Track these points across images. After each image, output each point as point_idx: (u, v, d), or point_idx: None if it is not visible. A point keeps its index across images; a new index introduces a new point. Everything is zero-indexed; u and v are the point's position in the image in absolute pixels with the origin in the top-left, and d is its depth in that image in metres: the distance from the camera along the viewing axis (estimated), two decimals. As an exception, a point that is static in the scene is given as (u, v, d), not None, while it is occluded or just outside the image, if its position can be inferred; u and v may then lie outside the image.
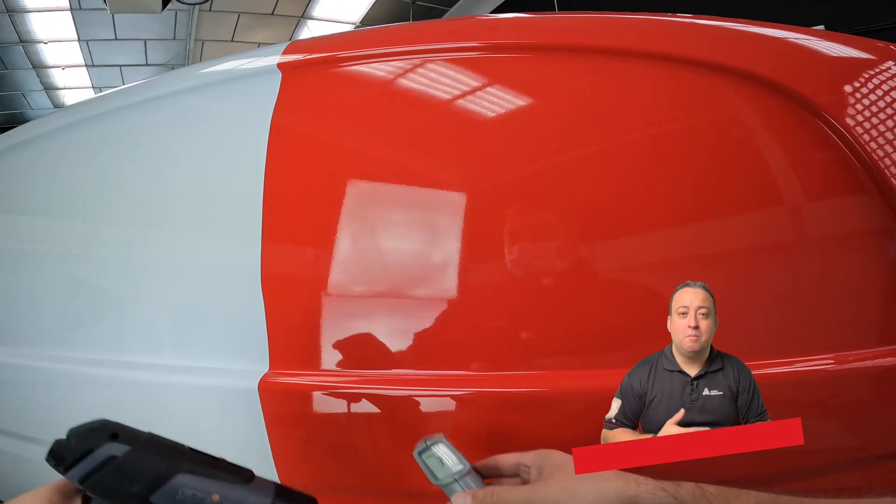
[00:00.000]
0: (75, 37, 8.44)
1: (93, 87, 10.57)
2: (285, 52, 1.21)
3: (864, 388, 0.94)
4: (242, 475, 0.79)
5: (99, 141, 1.43)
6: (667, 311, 0.91)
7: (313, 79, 1.18)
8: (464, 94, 1.09)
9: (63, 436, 0.74)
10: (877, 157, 0.93)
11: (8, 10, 7.47)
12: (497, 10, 7.25)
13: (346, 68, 1.16)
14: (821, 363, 0.91)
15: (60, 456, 0.72)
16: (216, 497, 0.76)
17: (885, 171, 0.92)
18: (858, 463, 0.95)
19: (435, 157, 1.08)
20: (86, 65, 9.54)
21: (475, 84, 1.09)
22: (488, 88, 1.08)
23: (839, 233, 0.95)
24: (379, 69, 1.13)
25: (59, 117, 1.57)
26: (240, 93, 1.25)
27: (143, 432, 0.77)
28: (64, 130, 1.52)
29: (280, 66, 1.19)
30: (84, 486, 0.73)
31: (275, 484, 0.81)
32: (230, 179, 1.18)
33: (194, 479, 0.75)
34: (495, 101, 1.07)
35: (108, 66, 9.61)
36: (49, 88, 10.51)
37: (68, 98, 10.85)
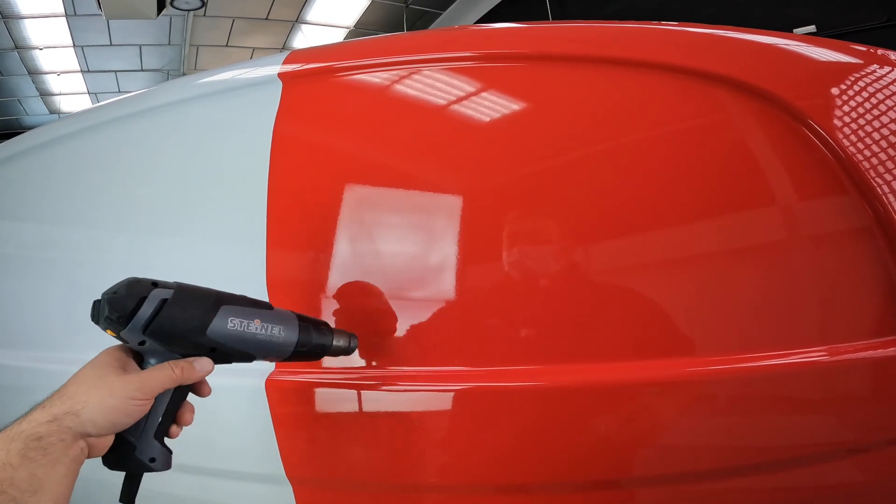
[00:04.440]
0: (70, 43, 8.38)
1: (88, 93, 10.50)
2: (285, 62, 1.24)
3: (856, 379, 0.96)
4: (265, 304, 0.86)
5: (104, 149, 1.45)
6: (658, 309, 0.94)
7: (313, 88, 1.20)
8: (459, 102, 1.12)
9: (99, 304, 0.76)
10: (857, 160, 0.95)
11: (3, 17, 7.43)
12: (489, 15, 7.23)
13: (346, 77, 1.19)
14: (814, 355, 0.93)
15: (120, 307, 0.74)
16: (258, 321, 0.83)
17: (866, 172, 0.95)
18: (851, 453, 0.97)
19: (432, 163, 1.11)
20: (81, 70, 9.48)
21: (470, 92, 1.12)
22: (483, 96, 1.11)
23: (825, 232, 0.97)
24: (377, 78, 1.16)
25: (63, 126, 1.58)
26: (242, 102, 1.27)
27: (170, 281, 0.80)
28: (68, 139, 1.54)
29: (281, 75, 1.21)
30: (146, 333, 0.76)
31: (291, 311, 0.89)
32: (234, 186, 1.21)
33: (236, 310, 0.82)
34: (490, 109, 1.09)
35: (104, 71, 9.55)
36: (45, 94, 10.43)
37: (64, 104, 10.78)
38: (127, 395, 0.73)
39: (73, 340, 1.36)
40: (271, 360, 0.88)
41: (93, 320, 0.77)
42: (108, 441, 0.73)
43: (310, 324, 0.90)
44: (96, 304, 0.76)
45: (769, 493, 0.99)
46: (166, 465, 0.79)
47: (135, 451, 0.76)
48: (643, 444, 0.98)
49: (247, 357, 0.85)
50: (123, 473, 0.78)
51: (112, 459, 0.76)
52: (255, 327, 0.83)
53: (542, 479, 1.01)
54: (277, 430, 1.08)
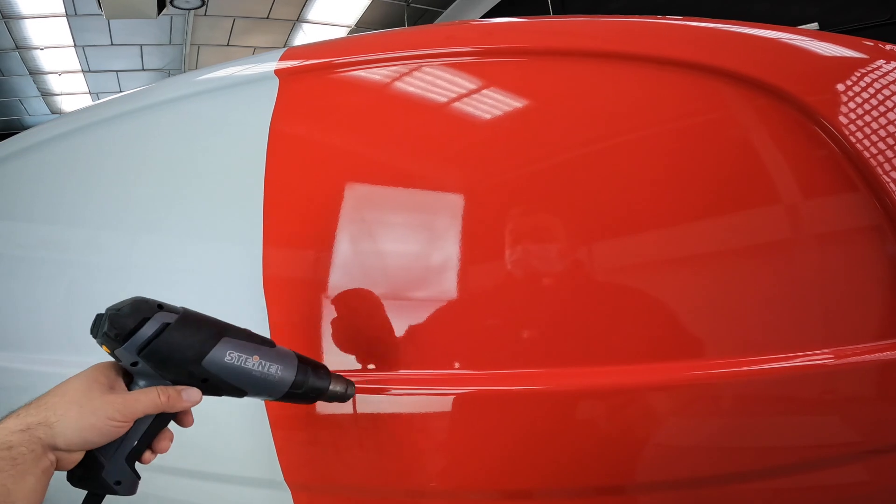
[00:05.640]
0: (71, 43, 8.41)
1: (90, 93, 10.54)
2: (282, 59, 1.23)
3: (863, 382, 0.94)
4: (268, 341, 0.85)
5: (100, 148, 1.44)
6: (662, 311, 0.93)
7: (310, 84, 1.18)
8: (459, 98, 1.10)
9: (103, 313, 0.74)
10: (868, 156, 0.93)
11: (4, 17, 7.45)
12: (490, 13, 7.23)
13: (343, 74, 1.17)
14: (820, 358, 0.92)
15: (120, 325, 0.72)
16: (256, 358, 0.81)
17: (876, 168, 0.93)
18: (858, 457, 0.96)
19: (432, 160, 1.09)
20: (82, 70, 9.51)
21: (471, 87, 1.10)
22: (483, 92, 1.09)
23: (834, 230, 0.95)
24: (375, 74, 1.14)
25: (58, 125, 1.57)
26: (238, 99, 1.26)
27: (177, 306, 0.79)
28: (64, 138, 1.53)
29: (277, 72, 1.20)
30: (141, 355, 0.73)
31: (293, 351, 0.87)
32: (230, 185, 1.19)
33: (237, 343, 0.80)
34: (490, 105, 1.08)
35: (105, 71, 9.58)
36: (46, 94, 10.47)
37: (65, 104, 10.82)
38: (106, 414, 0.71)
39: (71, 342, 1.34)
40: (263, 398, 0.86)
41: (91, 333, 0.75)
42: (78, 457, 0.71)
43: (309, 366, 0.88)
44: (99, 317, 0.75)
45: (775, 497, 0.97)
46: (131, 490, 0.76)
47: (102, 471, 0.73)
48: (648, 449, 0.97)
49: (238, 392, 0.82)
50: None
51: (77, 476, 0.73)
52: (253, 363, 0.81)
53: (544, 485, 1.00)
54: (275, 434, 1.07)
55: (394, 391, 1.01)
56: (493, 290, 1.00)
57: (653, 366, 0.95)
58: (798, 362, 0.92)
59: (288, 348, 0.88)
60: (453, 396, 1.00)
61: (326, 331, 1.05)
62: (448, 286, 1.01)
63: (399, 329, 1.03)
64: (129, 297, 0.77)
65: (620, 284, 0.99)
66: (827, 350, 0.92)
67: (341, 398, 0.92)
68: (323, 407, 1.05)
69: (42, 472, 0.66)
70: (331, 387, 0.90)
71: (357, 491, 1.07)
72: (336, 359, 1.04)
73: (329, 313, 1.06)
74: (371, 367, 1.04)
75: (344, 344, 1.04)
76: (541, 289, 0.99)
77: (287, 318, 1.07)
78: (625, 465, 0.97)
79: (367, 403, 1.02)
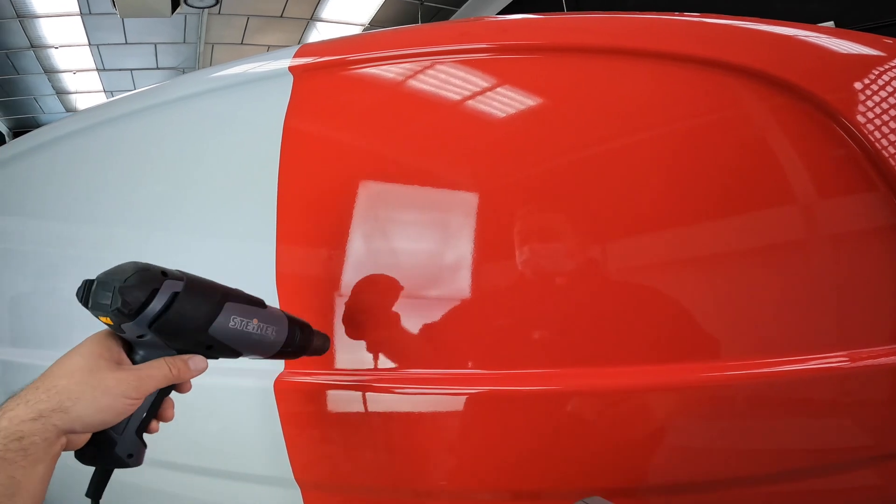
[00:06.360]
0: (86, 41, 8.46)
1: (104, 91, 10.60)
2: (296, 56, 1.22)
3: (878, 385, 0.93)
4: (260, 301, 0.83)
5: (113, 145, 1.44)
6: (676, 311, 0.91)
7: (324, 81, 1.18)
8: (474, 95, 1.09)
9: (91, 284, 0.70)
10: (887, 155, 0.92)
11: (19, 16, 7.51)
12: (505, 11, 7.22)
13: (357, 70, 1.17)
14: (835, 361, 0.91)
15: (133, 299, 0.68)
16: (256, 321, 0.80)
17: (896, 167, 0.92)
18: (871, 461, 0.94)
19: (445, 158, 1.08)
20: (97, 69, 9.57)
21: (485, 85, 1.09)
22: (498, 89, 1.08)
23: (851, 230, 0.94)
24: (389, 71, 1.14)
25: (71, 122, 1.58)
26: (252, 96, 1.26)
27: (176, 270, 0.75)
28: (77, 135, 1.53)
29: (291, 69, 1.20)
30: (152, 328, 0.70)
31: (281, 311, 0.87)
32: (244, 181, 1.19)
33: (239, 308, 0.79)
34: (505, 102, 1.07)
35: (119, 69, 9.63)
36: (61, 93, 10.54)
37: (80, 102, 10.88)
38: (122, 393, 0.68)
39: (81, 338, 1.34)
40: (254, 357, 0.85)
41: (81, 301, 0.70)
42: (88, 436, 0.69)
43: (297, 325, 0.89)
44: (88, 284, 0.70)
45: (786, 501, 0.96)
46: (140, 460, 0.75)
47: (115, 447, 0.72)
48: (660, 451, 0.96)
49: (235, 354, 0.82)
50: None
51: (88, 454, 0.71)
52: (253, 326, 0.80)
53: (556, 486, 0.99)
54: (286, 432, 1.06)
55: (405, 390, 1.01)
56: (506, 289, 1.00)
57: (666, 367, 0.94)
58: (812, 364, 0.91)
59: (276, 308, 0.87)
60: (465, 396, 0.99)
61: (339, 328, 1.05)
62: (461, 285, 1.00)
63: (411, 328, 1.02)
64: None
65: (634, 285, 0.98)
66: (842, 352, 0.91)
67: (319, 352, 0.94)
68: (334, 405, 1.06)
69: (52, 457, 0.64)
70: (314, 342, 0.92)
71: (367, 490, 1.07)
72: (348, 356, 1.04)
73: (341, 311, 1.06)
74: (383, 365, 1.03)
75: (356, 342, 1.04)
76: (554, 288, 0.98)
77: (299, 316, 1.06)
78: (636, 466, 0.96)
79: (379, 402, 1.02)
